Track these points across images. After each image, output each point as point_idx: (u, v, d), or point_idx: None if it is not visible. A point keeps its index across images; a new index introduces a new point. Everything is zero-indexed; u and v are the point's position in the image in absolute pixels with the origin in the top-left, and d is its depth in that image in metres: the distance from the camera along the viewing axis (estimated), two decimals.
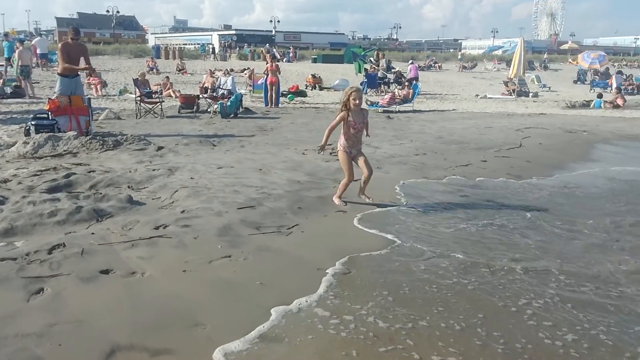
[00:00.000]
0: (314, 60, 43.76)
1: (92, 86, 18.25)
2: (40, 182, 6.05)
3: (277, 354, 2.89)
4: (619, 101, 19.86)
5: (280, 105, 17.05)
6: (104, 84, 19.37)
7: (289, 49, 48.22)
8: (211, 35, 73.76)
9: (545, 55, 57.48)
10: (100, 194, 5.72)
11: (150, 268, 3.93)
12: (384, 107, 16.32)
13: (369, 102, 17.18)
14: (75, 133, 8.73)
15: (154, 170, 6.99)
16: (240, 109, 14.42)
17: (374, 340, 3.04)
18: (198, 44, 58.38)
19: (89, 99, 10.20)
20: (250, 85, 20.29)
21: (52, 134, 8.49)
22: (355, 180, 5.73)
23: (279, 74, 17.45)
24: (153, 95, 14.33)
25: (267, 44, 51.64)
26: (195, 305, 3.40)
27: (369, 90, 22.23)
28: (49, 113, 9.10)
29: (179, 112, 14.25)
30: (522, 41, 23.89)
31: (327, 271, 3.97)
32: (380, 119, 14.20)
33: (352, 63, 25.17)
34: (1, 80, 17.07)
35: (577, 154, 9.63)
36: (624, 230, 5.19)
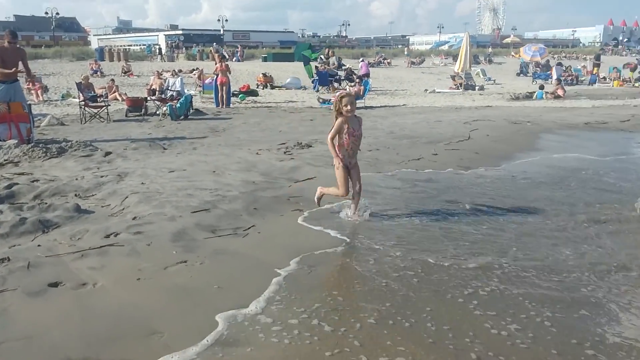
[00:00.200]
0: (265, 59, 43.51)
1: (33, 91, 17.50)
2: None
3: None
4: (560, 92, 20.76)
5: (231, 105, 16.87)
6: (45, 89, 18.61)
7: (237, 47, 47.71)
8: (157, 35, 72.12)
9: (490, 50, 59.32)
10: (46, 203, 5.49)
11: (102, 278, 3.80)
12: None
13: (320, 100, 17.26)
14: (16, 141, 8.36)
15: (102, 176, 6.77)
16: (191, 110, 14.18)
17: (319, 344, 2.97)
18: (144, 44, 57.00)
19: (30, 105, 9.77)
20: (199, 86, 20.00)
21: None
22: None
23: (229, 73, 17.26)
24: (98, 99, 13.87)
25: (215, 43, 50.98)
26: (151, 314, 3.32)
27: (320, 88, 22.32)
28: None
29: (126, 115, 13.86)
30: (467, 36, 24.57)
31: (279, 272, 3.94)
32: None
33: (302, 61, 25.14)
34: None
35: (522, 144, 9.99)
36: (566, 217, 5.41)
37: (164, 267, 4.01)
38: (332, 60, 27.73)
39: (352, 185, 5.19)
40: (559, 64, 32.10)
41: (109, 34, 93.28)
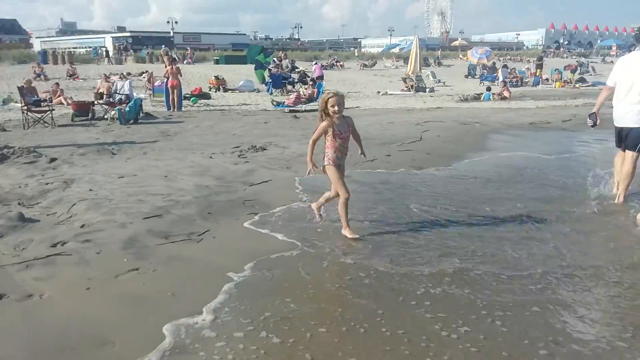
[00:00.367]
0: (217, 62, 43.02)
1: None
2: None
3: None
4: (506, 93, 21.50)
5: (183, 108, 16.57)
6: None
7: (187, 50, 46.92)
8: (104, 37, 70.11)
9: (439, 52, 60.81)
10: None
11: (49, 289, 3.66)
12: (290, 106, 16.42)
13: (274, 103, 17.21)
14: None
15: (47, 184, 6.52)
16: (141, 114, 13.84)
17: (266, 358, 2.89)
18: (90, 47, 55.28)
19: None
20: (149, 89, 19.54)
21: None
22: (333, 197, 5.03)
23: (180, 76, 16.96)
24: (42, 104, 13.33)
25: (164, 46, 49.99)
26: (102, 324, 3.22)
27: (274, 90, 22.26)
28: None
29: (72, 120, 13.38)
30: (416, 39, 25.06)
31: (233, 277, 3.87)
32: (287, 119, 14.27)
33: (254, 64, 25.01)
34: None
35: (471, 144, 10.27)
36: (515, 215, 5.58)
37: (115, 276, 3.90)
38: (285, 63, 27.71)
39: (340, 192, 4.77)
40: (505, 66, 33.21)
41: (53, 36, 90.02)
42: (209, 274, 3.98)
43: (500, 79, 27.34)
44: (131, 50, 51.54)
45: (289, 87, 23.45)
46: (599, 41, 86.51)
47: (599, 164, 7.36)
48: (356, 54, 54.76)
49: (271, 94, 21.90)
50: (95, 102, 14.56)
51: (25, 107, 12.63)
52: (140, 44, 59.63)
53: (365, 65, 44.19)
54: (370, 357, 2.91)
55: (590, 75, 35.22)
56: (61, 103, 16.45)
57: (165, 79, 16.79)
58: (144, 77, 24.30)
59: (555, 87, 28.61)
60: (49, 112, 12.76)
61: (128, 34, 70.52)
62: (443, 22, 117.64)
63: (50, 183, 6.55)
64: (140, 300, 3.55)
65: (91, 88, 20.69)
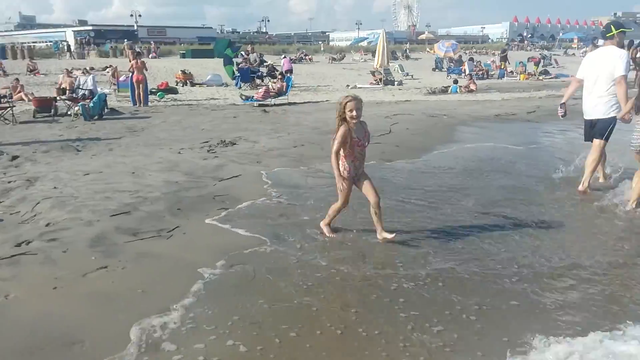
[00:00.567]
0: (183, 56, 42.25)
1: None
2: None
3: None
4: (472, 86, 21.85)
5: (149, 103, 16.26)
6: None
7: (151, 44, 45.96)
8: (65, 31, 68.05)
9: (407, 45, 61.23)
10: None
11: (14, 289, 3.57)
12: (259, 100, 16.31)
13: (243, 97, 17.06)
14: None
15: (9, 182, 6.33)
16: (106, 109, 13.52)
17: None
18: (50, 41, 53.57)
19: None
20: (114, 84, 19.10)
21: None
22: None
23: (146, 70, 16.62)
24: (1, 100, 12.88)
25: (126, 40, 48.91)
26: (70, 323, 3.16)
27: (242, 84, 22.06)
28: None
29: (34, 116, 12.97)
30: (383, 32, 25.19)
31: (203, 274, 3.80)
32: (256, 113, 14.17)
33: (222, 57, 24.69)
34: None
35: (439, 136, 10.41)
36: (485, 204, 5.71)
37: (83, 274, 3.82)
38: (253, 56, 27.41)
39: (368, 197, 4.44)
40: (471, 59, 33.71)
41: (11, 30, 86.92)
42: (180, 271, 3.94)
43: (467, 71, 27.77)
44: (94, 45, 50.22)
45: (258, 81, 23.28)
46: (560, 34, 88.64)
47: (563, 154, 7.57)
48: (322, 49, 54.71)
49: (240, 88, 21.69)
50: (58, 98, 14.14)
51: None
52: (103, 37, 58.15)
53: (334, 59, 44.16)
54: None
55: (553, 67, 36.05)
56: (22, 99, 15.95)
57: (130, 74, 16.44)
58: (108, 72, 23.74)
59: (519, 79, 29.18)
60: (9, 108, 12.33)
61: (90, 28, 68.56)
62: (410, 16, 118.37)
63: (12, 181, 6.36)
64: (109, 298, 3.49)
65: (53, 83, 20.09)
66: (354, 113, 4.21)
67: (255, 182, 6.53)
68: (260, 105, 15.86)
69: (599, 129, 6.00)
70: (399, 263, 4.08)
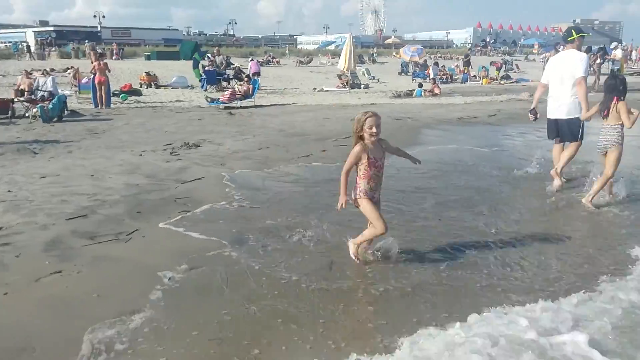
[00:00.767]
0: (148, 58, 41.52)
1: None
2: None
3: None
4: (436, 90, 22.20)
5: (112, 105, 15.93)
6: None
7: (113, 45, 44.99)
8: (25, 32, 66.04)
9: (374, 50, 61.82)
10: None
11: None
12: (225, 103, 16.16)
13: (209, 99, 16.88)
14: None
15: None
16: (65, 111, 13.18)
17: None
18: (9, 42, 51.94)
19: None
20: (75, 86, 18.62)
21: None
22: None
23: (109, 72, 16.28)
24: None
25: (87, 41, 47.80)
26: (20, 329, 3.05)
27: (208, 86, 21.84)
28: None
29: None
30: (350, 36, 25.35)
31: (162, 277, 3.71)
32: (222, 116, 14.05)
33: (188, 59, 24.43)
34: None
35: (404, 138, 10.51)
36: (452, 204, 5.78)
37: (36, 279, 3.70)
38: (220, 59, 27.15)
39: (375, 226, 4.07)
40: (436, 64, 34.19)
41: None
42: (138, 274, 3.86)
43: (431, 76, 28.19)
44: (55, 46, 48.89)
45: (224, 83, 23.08)
46: (522, 40, 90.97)
47: (522, 154, 7.75)
48: (287, 51, 54.79)
49: (205, 90, 21.47)
50: (16, 100, 13.73)
51: None
52: (65, 38, 56.73)
53: (301, 62, 44.22)
54: None
55: (515, 72, 36.92)
56: None
57: (92, 75, 16.07)
58: (69, 73, 23.12)
59: (482, 83, 29.79)
60: None
61: (52, 28, 66.76)
62: (377, 20, 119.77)
63: None
64: (63, 303, 3.39)
65: (11, 85, 19.46)
66: (374, 130, 3.90)
67: (218, 184, 6.47)
68: (226, 108, 15.72)
69: (570, 132, 6.28)
70: (369, 270, 3.98)
